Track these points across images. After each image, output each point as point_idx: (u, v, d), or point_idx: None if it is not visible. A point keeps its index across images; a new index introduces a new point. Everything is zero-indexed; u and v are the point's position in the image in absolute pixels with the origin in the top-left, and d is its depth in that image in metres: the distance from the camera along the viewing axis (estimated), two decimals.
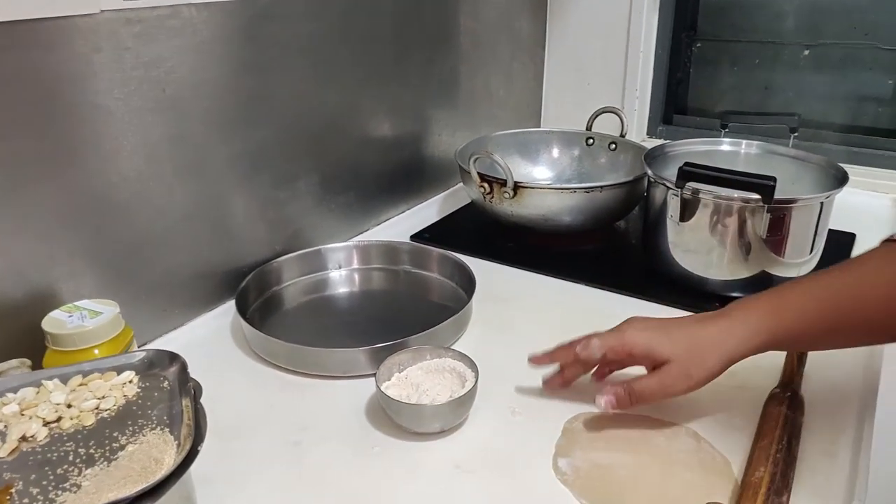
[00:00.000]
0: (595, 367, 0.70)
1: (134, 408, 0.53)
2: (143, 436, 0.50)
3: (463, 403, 0.64)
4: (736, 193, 0.80)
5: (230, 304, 0.84)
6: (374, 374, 0.68)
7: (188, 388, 0.54)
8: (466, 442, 0.65)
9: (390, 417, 0.66)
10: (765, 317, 0.61)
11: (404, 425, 0.65)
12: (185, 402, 0.52)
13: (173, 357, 0.57)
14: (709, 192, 0.82)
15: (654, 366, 0.63)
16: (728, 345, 0.61)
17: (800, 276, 0.80)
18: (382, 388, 0.66)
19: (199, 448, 0.49)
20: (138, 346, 0.79)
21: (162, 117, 0.76)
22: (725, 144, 0.99)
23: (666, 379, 0.61)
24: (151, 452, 0.48)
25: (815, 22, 1.29)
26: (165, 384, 0.56)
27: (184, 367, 0.56)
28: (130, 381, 0.56)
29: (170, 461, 0.47)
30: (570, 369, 0.69)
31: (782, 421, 0.63)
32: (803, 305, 0.60)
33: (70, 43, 0.66)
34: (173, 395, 0.54)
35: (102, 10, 0.68)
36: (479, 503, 0.58)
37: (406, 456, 0.64)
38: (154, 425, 0.51)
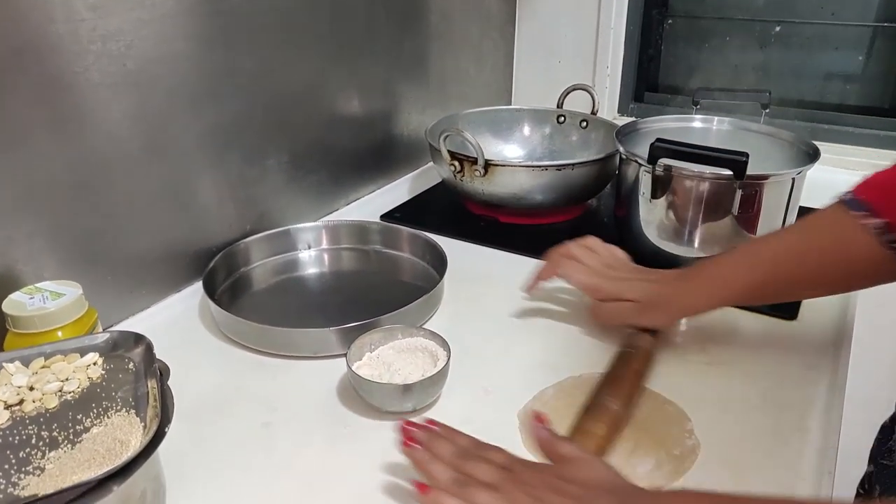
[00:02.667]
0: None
1: (98, 390, 0.52)
2: (108, 418, 0.49)
3: (435, 382, 0.64)
4: (708, 170, 0.80)
5: (199, 286, 0.83)
6: (345, 355, 0.67)
7: (154, 369, 0.52)
8: (439, 420, 0.64)
9: (362, 397, 0.65)
10: (718, 285, 0.69)
11: (376, 405, 0.65)
12: (151, 384, 0.51)
13: (139, 338, 0.56)
14: (681, 169, 0.82)
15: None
16: (682, 303, 0.71)
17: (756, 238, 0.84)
18: (354, 368, 0.65)
19: (166, 429, 0.47)
20: (104, 329, 0.77)
21: (124, 93, 0.73)
22: (697, 121, 0.99)
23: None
24: (117, 434, 0.47)
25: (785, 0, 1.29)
26: (131, 366, 0.54)
27: (149, 349, 0.55)
28: (95, 364, 0.54)
29: (136, 443, 0.46)
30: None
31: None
32: (752, 270, 0.67)
33: (23, 13, 0.63)
34: (139, 377, 0.53)
35: None
36: None
37: (378, 436, 0.63)
38: (119, 407, 0.50)
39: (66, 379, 0.52)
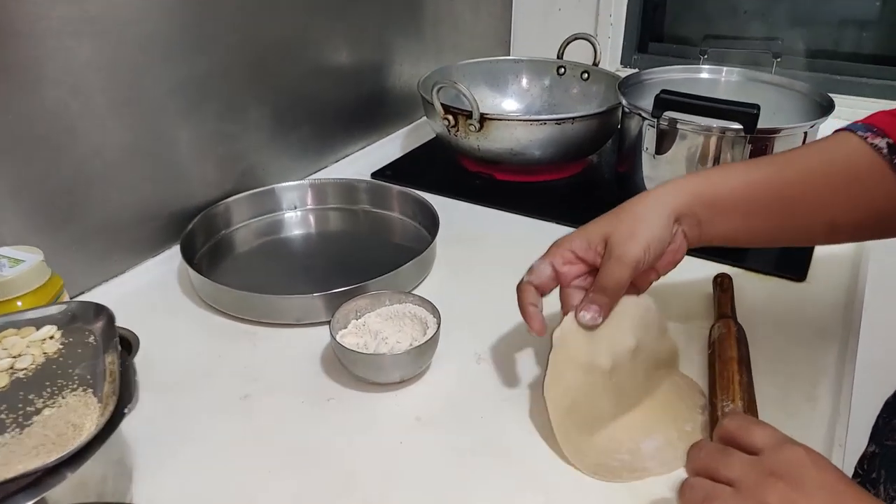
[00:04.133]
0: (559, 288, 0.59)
1: (54, 366, 0.47)
2: (63, 398, 0.45)
3: (424, 352, 0.60)
4: (716, 123, 0.75)
5: (177, 249, 0.78)
6: (329, 322, 0.63)
7: (114, 342, 0.48)
8: (428, 392, 0.61)
9: (346, 368, 0.61)
10: (693, 180, 0.58)
11: (361, 376, 0.61)
12: (110, 359, 0.47)
13: (99, 309, 0.51)
14: (687, 122, 0.76)
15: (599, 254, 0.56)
16: (659, 198, 0.56)
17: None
18: (338, 337, 0.61)
19: (125, 410, 0.43)
20: (75, 295, 0.73)
21: (87, 42, 0.68)
22: (705, 72, 0.93)
23: (615, 250, 0.54)
24: (70, 417, 0.43)
25: None
26: (91, 339, 0.50)
27: (111, 320, 0.50)
28: (51, 337, 0.50)
29: (91, 426, 0.42)
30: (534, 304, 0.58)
31: (737, 358, 0.59)
32: (735, 172, 0.58)
33: None
34: (99, 352, 0.48)
35: None
36: (439, 457, 0.54)
37: (363, 408, 0.59)
38: (76, 386, 0.46)
39: (19, 355, 0.48)
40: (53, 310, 0.52)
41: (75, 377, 0.46)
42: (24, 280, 0.58)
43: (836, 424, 0.56)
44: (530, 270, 0.58)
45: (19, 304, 0.58)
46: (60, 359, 0.48)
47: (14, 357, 0.48)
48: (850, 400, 0.59)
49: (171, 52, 0.77)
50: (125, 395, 0.44)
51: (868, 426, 0.64)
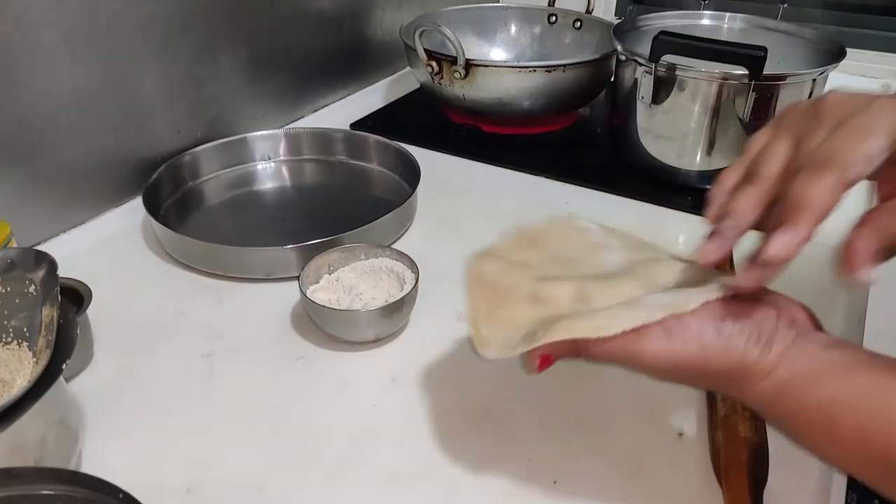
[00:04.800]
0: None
1: None
2: None
3: (400, 308, 0.55)
4: (717, 69, 0.70)
5: (141, 200, 0.73)
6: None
7: (54, 293, 0.43)
8: (405, 351, 0.57)
9: (318, 325, 0.57)
10: None
11: (334, 333, 0.57)
12: (48, 311, 0.42)
13: (40, 256, 0.46)
14: (686, 69, 0.71)
15: None
16: None
17: None
18: (309, 292, 0.57)
19: (62, 366, 0.39)
20: (25, 248, 0.68)
21: None
22: (706, 18, 0.88)
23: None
24: (0, 373, 0.38)
25: None
26: (32, 289, 0.45)
27: (53, 269, 0.45)
28: None
29: (22, 382, 0.38)
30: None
31: None
32: None
33: None
34: (38, 303, 0.44)
35: None
36: (415, 421, 0.50)
37: (335, 368, 0.55)
38: (10, 339, 0.41)
39: None
40: None
41: (10, 329, 0.42)
42: None
43: None
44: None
45: None
46: None
47: None
48: None
49: None
50: (64, 349, 0.40)
51: None
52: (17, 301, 0.44)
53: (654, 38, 0.70)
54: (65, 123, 0.69)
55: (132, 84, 0.74)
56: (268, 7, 0.88)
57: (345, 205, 0.80)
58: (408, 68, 1.05)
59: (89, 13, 0.68)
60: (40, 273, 0.46)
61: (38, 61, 0.64)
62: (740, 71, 0.68)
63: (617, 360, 0.38)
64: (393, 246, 0.70)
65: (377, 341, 0.57)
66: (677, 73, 0.72)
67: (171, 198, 0.78)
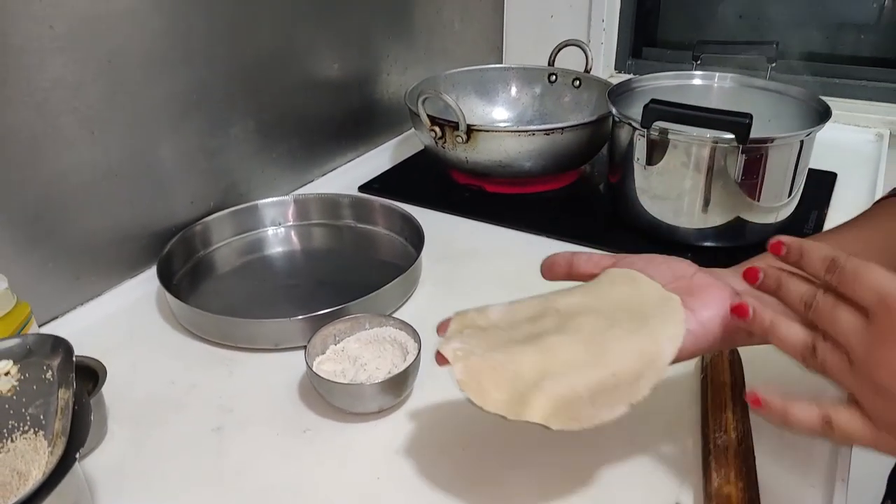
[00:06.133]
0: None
1: (7, 406, 0.45)
2: (12, 442, 0.42)
3: (403, 381, 0.57)
4: (708, 133, 0.72)
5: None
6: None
7: (70, 378, 0.45)
8: (408, 422, 0.58)
9: (323, 397, 0.59)
10: None
11: (339, 406, 0.58)
12: (63, 394, 0.44)
13: (57, 342, 0.49)
14: (678, 132, 0.74)
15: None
16: None
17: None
18: (315, 364, 0.59)
19: (75, 455, 0.41)
20: (46, 321, 0.71)
21: (52, 59, 0.65)
22: (697, 78, 0.91)
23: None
24: (17, 464, 0.41)
25: None
26: (49, 375, 0.47)
27: (69, 354, 0.48)
28: (7, 373, 0.48)
29: (37, 473, 0.40)
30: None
31: (731, 383, 0.56)
32: None
33: None
34: (54, 389, 0.46)
35: None
36: (419, 492, 0.51)
37: (340, 440, 0.57)
38: (27, 428, 0.43)
39: None
40: (10, 343, 0.49)
41: (27, 417, 0.44)
42: None
43: (838, 456, 0.53)
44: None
45: None
46: (14, 397, 0.46)
47: None
48: None
49: (147, 68, 0.74)
50: (78, 436, 0.42)
51: (871, 459, 0.61)
52: (35, 388, 0.46)
53: (645, 106, 0.72)
54: (83, 201, 0.72)
55: (148, 160, 0.78)
56: (278, 78, 0.92)
57: (352, 269, 0.82)
58: (413, 130, 1.08)
59: (109, 98, 0.71)
60: (57, 359, 0.48)
61: (59, 145, 0.68)
62: (729, 135, 0.70)
63: None
64: (398, 311, 0.72)
65: (381, 412, 0.58)
66: (669, 136, 0.74)
67: (183, 267, 0.80)
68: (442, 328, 0.48)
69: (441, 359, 0.46)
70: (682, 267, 0.49)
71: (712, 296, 0.46)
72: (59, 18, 0.65)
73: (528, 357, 0.44)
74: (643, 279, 0.48)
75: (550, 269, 0.53)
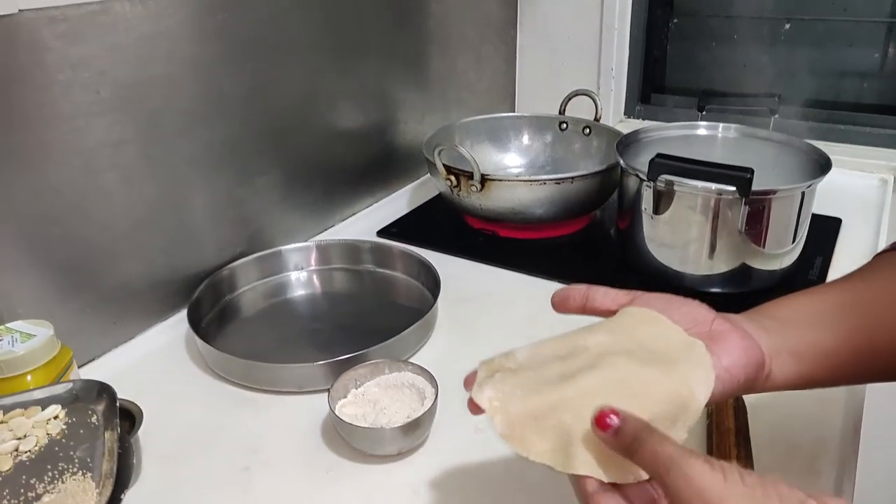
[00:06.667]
0: None
1: (56, 448, 0.49)
2: (63, 483, 0.46)
3: (420, 424, 0.60)
4: (712, 185, 0.76)
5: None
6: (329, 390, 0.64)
7: (114, 422, 0.49)
8: (426, 463, 0.61)
9: (344, 439, 0.62)
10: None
11: (360, 448, 0.61)
12: (109, 436, 0.48)
13: (102, 388, 0.53)
14: (683, 185, 0.77)
15: None
16: None
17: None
18: (338, 407, 0.62)
19: (122, 495, 0.44)
20: (84, 363, 0.75)
21: (98, 122, 0.70)
22: (702, 129, 0.94)
23: None
24: (67, 503, 0.44)
25: None
26: (94, 419, 0.51)
27: (112, 399, 0.52)
28: (56, 417, 0.51)
29: None
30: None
31: (735, 429, 0.58)
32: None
33: None
34: (100, 432, 0.50)
35: (21, 10, 0.62)
36: None
37: (361, 481, 0.60)
38: (76, 469, 0.47)
39: (24, 436, 0.49)
40: (59, 389, 0.54)
41: (76, 459, 0.48)
42: (34, 355, 0.59)
43: (843, 493, 0.55)
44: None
45: (29, 378, 0.59)
46: (63, 440, 0.49)
47: (19, 439, 0.49)
48: (855, 474, 0.58)
49: (183, 127, 0.79)
50: (122, 478, 0.46)
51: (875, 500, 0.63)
52: (82, 432, 0.50)
53: (651, 161, 0.76)
54: (121, 250, 0.76)
55: (181, 210, 0.82)
56: (301, 130, 0.96)
57: (372, 313, 0.86)
58: (429, 175, 1.12)
59: (147, 154, 0.76)
60: (102, 404, 0.52)
61: (100, 199, 0.73)
62: (732, 188, 0.74)
63: None
64: (416, 355, 0.75)
65: (400, 454, 0.62)
66: (675, 188, 0.78)
67: (211, 311, 0.84)
68: (468, 382, 0.47)
69: (474, 407, 0.45)
70: (701, 312, 0.49)
71: (733, 343, 0.47)
72: (105, 84, 0.70)
73: (569, 401, 0.43)
74: (666, 321, 0.48)
75: (564, 302, 0.51)
